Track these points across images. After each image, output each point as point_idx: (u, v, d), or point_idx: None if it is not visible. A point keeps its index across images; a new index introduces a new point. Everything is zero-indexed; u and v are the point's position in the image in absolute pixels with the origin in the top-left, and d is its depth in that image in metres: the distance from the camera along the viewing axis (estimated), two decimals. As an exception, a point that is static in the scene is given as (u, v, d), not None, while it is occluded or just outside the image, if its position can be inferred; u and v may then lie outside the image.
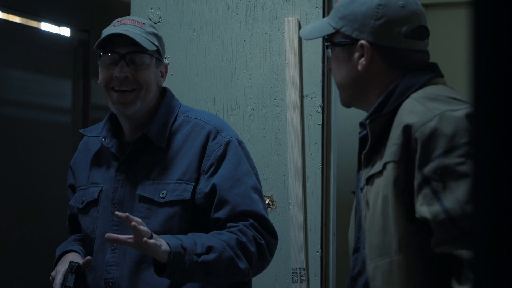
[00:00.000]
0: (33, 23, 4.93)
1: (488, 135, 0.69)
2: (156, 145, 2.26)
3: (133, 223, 1.97)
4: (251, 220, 2.18)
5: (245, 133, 3.09)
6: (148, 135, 2.26)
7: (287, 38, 3.06)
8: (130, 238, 2.01)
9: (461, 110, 1.66)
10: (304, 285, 2.98)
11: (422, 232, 1.66)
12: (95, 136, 2.39)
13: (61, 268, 2.23)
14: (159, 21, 3.25)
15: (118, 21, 2.29)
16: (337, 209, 3.08)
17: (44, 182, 4.58)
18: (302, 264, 2.99)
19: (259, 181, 2.31)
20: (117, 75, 2.22)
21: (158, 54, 2.30)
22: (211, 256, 2.10)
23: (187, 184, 2.21)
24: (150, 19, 3.26)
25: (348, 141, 3.54)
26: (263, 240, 2.19)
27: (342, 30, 1.86)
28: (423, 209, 1.64)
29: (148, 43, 2.25)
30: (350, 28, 1.85)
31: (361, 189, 1.83)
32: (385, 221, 1.71)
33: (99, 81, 2.32)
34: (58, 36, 5.05)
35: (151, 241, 2.00)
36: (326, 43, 1.92)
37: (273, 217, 3.06)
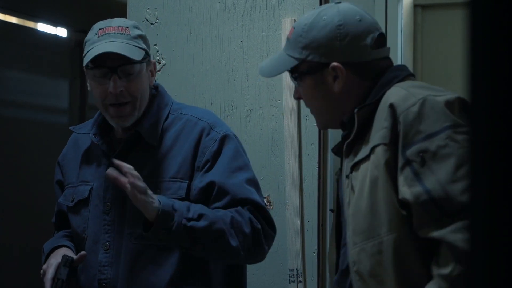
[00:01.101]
0: (30, 24, 4.93)
1: (486, 135, 0.69)
2: (148, 142, 2.24)
3: (125, 168, 1.99)
4: (250, 207, 2.17)
5: (242, 133, 3.09)
6: (141, 132, 2.24)
7: (284, 39, 3.06)
8: (127, 182, 2.01)
9: (443, 96, 1.71)
10: (301, 285, 2.98)
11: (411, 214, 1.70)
12: (85, 133, 2.37)
13: (54, 261, 2.20)
14: (155, 22, 3.25)
15: (100, 29, 2.23)
16: (334, 209, 3.09)
17: (40, 183, 4.57)
18: (299, 264, 2.99)
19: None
20: (111, 91, 2.19)
21: (147, 55, 2.26)
22: (201, 223, 2.07)
23: (181, 182, 2.19)
24: (147, 20, 3.26)
25: (345, 141, 3.55)
26: (260, 225, 2.16)
27: (308, 58, 1.87)
28: (404, 190, 1.67)
29: (136, 52, 2.21)
30: (317, 54, 1.86)
31: (347, 177, 1.86)
32: (373, 204, 1.74)
33: (89, 89, 2.29)
34: (55, 37, 5.05)
35: (142, 196, 2.00)
36: (293, 75, 1.92)
37: (270, 217, 3.07)
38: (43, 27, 5.01)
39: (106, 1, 5.08)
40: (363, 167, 1.78)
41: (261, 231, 2.16)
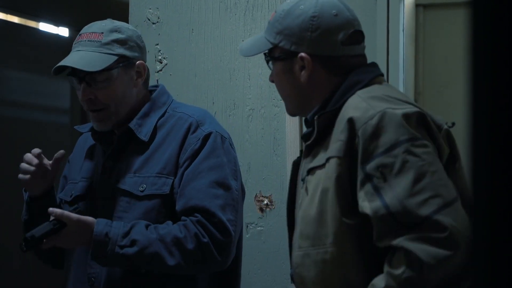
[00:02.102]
0: (31, 23, 4.93)
1: (486, 135, 0.69)
2: (140, 138, 2.25)
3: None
4: (199, 217, 2.14)
5: (243, 133, 3.09)
6: (131, 128, 2.26)
7: (286, 38, 3.06)
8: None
9: (402, 109, 1.71)
10: (302, 285, 2.98)
11: (358, 227, 1.71)
12: (88, 131, 2.39)
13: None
14: (157, 21, 3.25)
15: (79, 35, 2.27)
16: (336, 209, 3.08)
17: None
18: (300, 264, 2.98)
19: (236, 177, 2.26)
20: (80, 99, 2.25)
21: (125, 59, 2.25)
22: (132, 250, 2.12)
23: (167, 178, 2.20)
24: (148, 19, 3.26)
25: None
26: (208, 238, 2.13)
27: (280, 44, 1.89)
28: (365, 204, 1.67)
29: (101, 60, 2.21)
30: (288, 42, 1.88)
31: (302, 180, 1.87)
32: (321, 213, 1.75)
33: None
34: (57, 36, 5.05)
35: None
36: (266, 58, 1.95)
37: (272, 217, 3.06)
38: (45, 27, 5.02)
39: (107, 0, 5.09)
40: (318, 173, 1.78)
41: (209, 244, 2.13)
